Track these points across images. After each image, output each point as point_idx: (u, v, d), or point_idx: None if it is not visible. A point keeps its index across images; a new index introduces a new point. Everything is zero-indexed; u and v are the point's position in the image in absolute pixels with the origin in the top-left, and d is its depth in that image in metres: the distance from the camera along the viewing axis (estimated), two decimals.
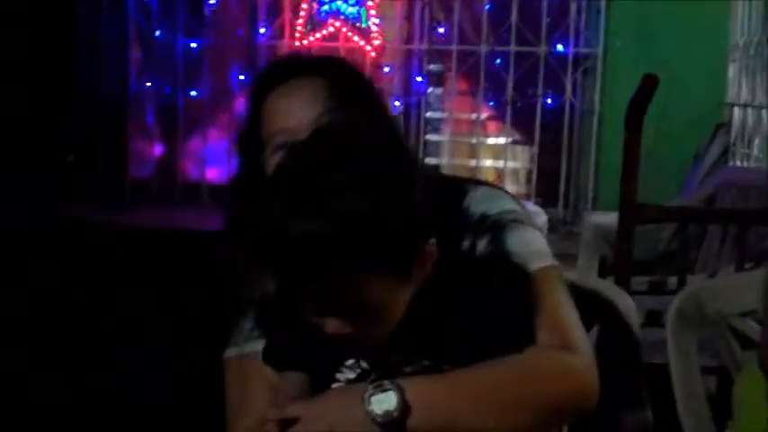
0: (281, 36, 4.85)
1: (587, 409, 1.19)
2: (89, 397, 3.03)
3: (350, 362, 1.18)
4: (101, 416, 2.92)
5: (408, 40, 4.85)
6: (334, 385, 1.16)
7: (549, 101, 4.67)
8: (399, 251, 1.08)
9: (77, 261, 3.90)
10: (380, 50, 4.78)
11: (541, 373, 1.17)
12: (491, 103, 4.83)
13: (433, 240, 1.12)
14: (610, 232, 3.32)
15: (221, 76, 5.01)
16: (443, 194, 1.32)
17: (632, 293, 1.75)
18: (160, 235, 4.19)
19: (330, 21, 4.73)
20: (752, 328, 1.60)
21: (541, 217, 3.41)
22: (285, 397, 1.16)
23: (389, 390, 1.10)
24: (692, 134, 4.37)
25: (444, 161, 5.00)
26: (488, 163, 4.99)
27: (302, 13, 4.78)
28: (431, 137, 5.02)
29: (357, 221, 1.04)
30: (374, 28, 4.69)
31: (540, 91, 4.66)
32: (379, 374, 1.12)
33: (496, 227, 1.28)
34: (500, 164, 4.90)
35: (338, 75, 1.38)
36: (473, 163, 4.87)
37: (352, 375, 1.17)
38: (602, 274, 3.52)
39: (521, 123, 4.82)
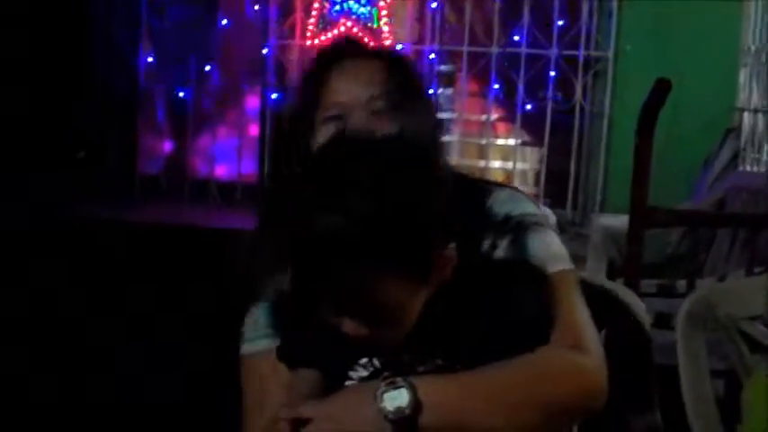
0: (293, 35, 4.86)
1: (596, 408, 1.20)
2: (93, 396, 3.03)
3: (363, 360, 1.18)
4: (105, 415, 2.92)
5: (419, 40, 4.86)
6: (348, 383, 1.17)
7: (560, 103, 4.67)
8: (419, 255, 1.09)
9: (86, 257, 3.91)
10: None
11: (552, 373, 1.17)
12: (501, 105, 4.83)
13: (452, 245, 1.13)
14: (618, 234, 3.33)
15: (232, 75, 5.02)
16: (468, 193, 1.34)
17: (641, 296, 1.75)
18: (168, 231, 4.20)
19: (342, 20, 4.74)
20: (762, 332, 1.60)
21: (551, 218, 3.41)
22: (298, 395, 1.16)
23: (402, 387, 1.10)
24: (703, 138, 4.37)
25: (453, 162, 5.00)
26: (497, 164, 4.99)
27: (314, 13, 4.79)
28: None
29: (379, 223, 1.04)
30: (385, 28, 4.70)
31: (550, 93, 4.66)
32: (391, 373, 1.13)
33: (519, 228, 1.31)
34: (509, 165, 4.90)
35: (397, 64, 1.41)
36: (482, 164, 4.87)
37: (365, 373, 1.17)
38: (611, 276, 3.52)
39: (530, 125, 4.83)
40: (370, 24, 4.72)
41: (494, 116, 4.90)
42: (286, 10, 4.89)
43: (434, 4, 4.75)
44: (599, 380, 1.19)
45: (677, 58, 4.35)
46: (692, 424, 1.57)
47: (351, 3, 4.72)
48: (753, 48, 4.34)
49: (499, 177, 4.78)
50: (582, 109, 4.68)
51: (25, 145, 4.54)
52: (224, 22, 4.97)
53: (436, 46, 4.79)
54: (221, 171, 5.10)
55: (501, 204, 1.34)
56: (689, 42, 4.44)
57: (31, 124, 4.58)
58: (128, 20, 4.98)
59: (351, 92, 1.37)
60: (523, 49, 4.67)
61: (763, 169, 4.13)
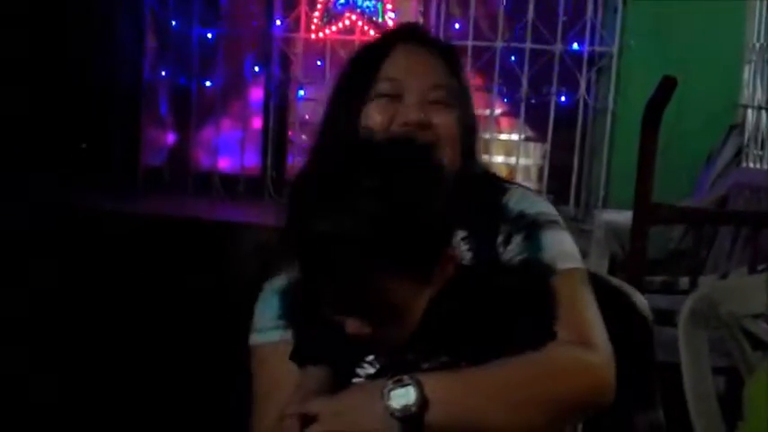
0: (297, 28, 4.86)
1: (604, 405, 1.20)
2: (93, 392, 3.04)
3: (370, 357, 1.18)
4: (105, 412, 2.93)
5: None
6: (355, 380, 1.17)
7: (563, 98, 4.67)
8: (422, 255, 1.10)
9: (88, 249, 3.92)
10: None
11: (559, 370, 1.18)
12: (505, 100, 4.83)
13: (454, 245, 1.13)
14: (621, 230, 3.33)
15: (236, 67, 5.01)
16: (484, 189, 1.36)
17: (644, 293, 1.75)
18: (171, 223, 4.20)
19: (347, 14, 4.74)
20: (764, 329, 1.61)
21: None
22: (307, 392, 1.16)
23: (408, 385, 1.11)
24: (706, 135, 4.36)
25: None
26: (500, 159, 4.99)
27: (319, 6, 4.78)
28: None
29: (382, 224, 1.05)
30: (390, 22, 4.69)
31: (554, 88, 4.66)
32: (397, 371, 1.13)
33: (533, 225, 1.33)
34: (512, 160, 4.89)
35: (456, 59, 1.43)
36: (485, 158, 4.87)
37: (371, 371, 1.18)
38: (612, 271, 3.52)
39: (534, 120, 4.82)
40: (375, 18, 4.72)
41: (497, 111, 4.90)
42: (291, 2, 4.88)
43: None
44: (606, 376, 1.20)
45: (681, 54, 4.34)
46: (694, 421, 1.58)
47: None
48: (757, 45, 4.34)
49: (502, 172, 4.78)
50: (585, 104, 4.68)
51: (27, 138, 4.54)
52: (228, 14, 4.96)
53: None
54: (224, 164, 5.10)
55: (516, 202, 1.37)
56: (693, 39, 4.43)
57: (33, 116, 4.57)
58: (131, 12, 4.97)
59: (411, 73, 1.38)
60: (527, 44, 4.67)
61: (765, 166, 4.12)
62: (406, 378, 1.11)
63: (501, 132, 5.02)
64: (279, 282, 1.33)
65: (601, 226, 3.83)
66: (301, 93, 4.90)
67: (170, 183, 5.05)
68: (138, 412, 2.95)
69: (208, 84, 4.99)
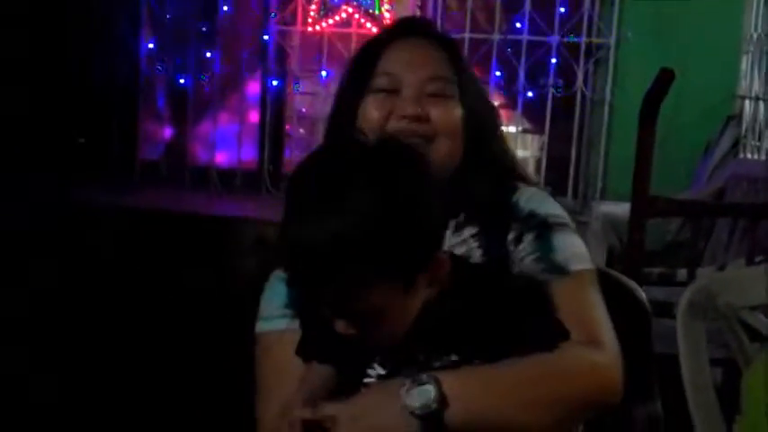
0: (294, 21, 4.85)
1: (612, 404, 1.21)
2: (92, 387, 3.04)
3: (379, 358, 1.18)
4: (104, 408, 2.93)
5: None
6: (366, 380, 1.16)
7: (561, 90, 4.66)
8: (404, 261, 1.08)
9: (85, 243, 3.91)
10: None
11: (569, 369, 1.18)
12: (502, 92, 4.82)
13: (444, 250, 1.12)
14: (618, 222, 3.34)
15: (232, 61, 5.00)
16: (493, 184, 1.35)
17: (642, 284, 1.75)
18: (168, 218, 4.20)
19: (343, 7, 4.73)
20: (762, 321, 1.61)
21: None
22: (311, 387, 1.16)
23: (427, 383, 1.10)
24: (704, 125, 4.36)
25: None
26: None
27: None
28: None
29: (364, 230, 1.04)
30: (387, 15, 4.68)
31: (551, 80, 4.65)
32: (408, 370, 1.12)
33: (544, 226, 1.34)
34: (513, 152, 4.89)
35: (454, 52, 1.42)
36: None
37: (382, 371, 1.16)
38: (611, 263, 3.52)
39: (531, 112, 4.82)
40: (371, 11, 4.71)
41: (495, 103, 4.89)
42: None
43: None
44: (615, 376, 1.21)
45: (679, 45, 4.34)
46: (693, 413, 1.58)
47: None
48: (755, 35, 4.33)
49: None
50: (583, 96, 4.68)
51: (24, 135, 4.54)
52: (225, 8, 4.95)
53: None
54: (221, 158, 5.10)
55: (526, 201, 1.37)
56: (691, 30, 4.42)
57: (30, 112, 4.57)
58: (129, 6, 4.96)
59: (408, 67, 1.37)
60: (525, 36, 4.66)
61: (763, 157, 4.12)
62: (424, 376, 1.10)
63: None
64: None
65: (598, 218, 3.83)
66: (298, 86, 4.90)
67: (167, 177, 5.05)
68: (137, 407, 2.95)
69: (204, 78, 4.98)
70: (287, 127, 5.06)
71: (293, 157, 4.98)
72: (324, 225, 1.04)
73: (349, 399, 1.13)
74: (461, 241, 1.38)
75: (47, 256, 3.78)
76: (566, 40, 4.62)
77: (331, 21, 4.76)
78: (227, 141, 5.06)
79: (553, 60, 4.64)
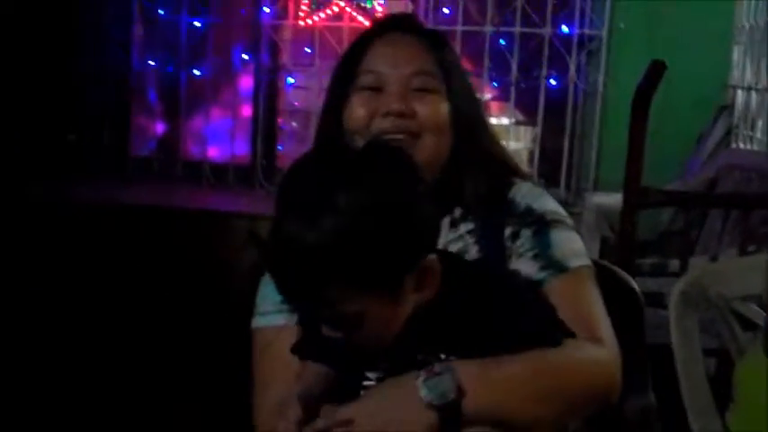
0: (286, 15, 4.84)
1: (611, 400, 1.22)
2: (90, 383, 3.04)
3: (377, 361, 1.17)
4: (102, 404, 2.93)
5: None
6: (366, 383, 1.15)
7: (553, 82, 4.66)
8: (385, 268, 1.06)
9: (77, 239, 3.91)
10: None
11: (573, 364, 1.18)
12: (495, 84, 4.82)
13: (432, 256, 1.11)
14: (611, 213, 3.34)
15: (224, 55, 4.99)
16: (487, 178, 1.35)
17: (634, 276, 1.76)
18: (161, 213, 4.20)
19: (335, 0, 4.72)
20: (754, 311, 1.61)
21: None
22: (306, 384, 1.15)
23: (442, 373, 1.09)
24: (696, 115, 4.36)
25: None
26: None
27: None
28: None
29: (342, 240, 1.03)
30: (379, 8, 4.67)
31: (543, 72, 4.65)
32: (408, 370, 1.11)
33: (542, 222, 1.34)
34: (503, 144, 4.89)
35: (441, 45, 1.41)
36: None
37: (381, 374, 1.15)
38: (604, 254, 3.53)
39: (524, 104, 4.82)
40: (363, 4, 4.70)
41: (487, 96, 4.89)
42: None
43: None
44: (615, 372, 1.23)
45: (671, 35, 4.34)
46: (686, 403, 1.58)
47: None
48: (747, 25, 4.34)
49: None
50: (575, 88, 4.68)
51: (16, 126, 4.53)
52: (216, 2, 4.93)
53: (430, 25, 4.77)
54: (214, 152, 5.09)
55: (523, 197, 1.38)
56: (683, 20, 4.42)
57: (21, 106, 4.55)
58: (119, 1, 4.94)
59: (391, 63, 1.37)
60: (517, 28, 4.66)
61: (755, 147, 4.13)
62: (438, 366, 1.10)
63: (491, 116, 5.01)
64: None
65: (591, 209, 3.84)
66: (290, 80, 4.89)
67: (159, 172, 5.03)
68: (129, 400, 2.95)
69: (196, 72, 4.97)
70: (280, 121, 5.05)
71: (286, 150, 4.97)
72: (306, 231, 1.03)
73: (363, 396, 1.12)
74: (458, 237, 1.38)
75: (35, 250, 3.77)
76: (558, 31, 4.61)
77: (323, 14, 4.75)
78: (220, 136, 5.05)
79: (546, 52, 4.63)
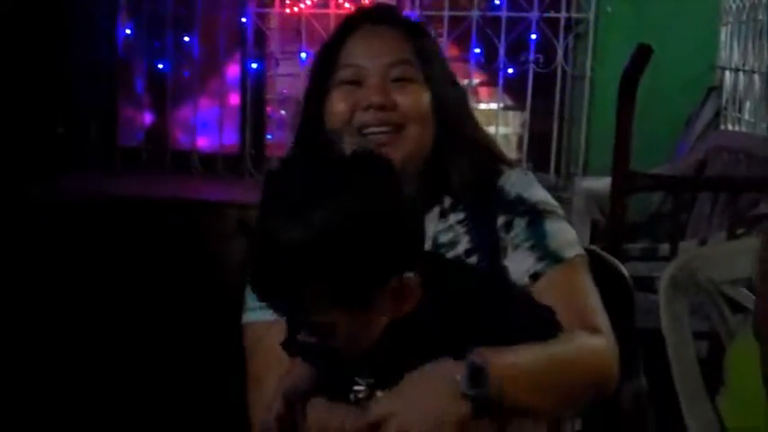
0: (272, 3, 4.82)
1: (609, 390, 1.22)
2: (86, 379, 3.04)
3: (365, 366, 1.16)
4: (100, 400, 2.93)
5: (399, 5, 4.82)
6: (356, 388, 1.14)
7: (541, 66, 4.66)
8: (359, 280, 1.04)
9: (67, 231, 3.90)
10: None
11: (574, 355, 1.18)
12: (483, 69, 4.81)
13: (409, 274, 1.08)
14: (601, 197, 3.34)
15: (211, 44, 4.97)
16: (477, 168, 1.34)
17: (624, 260, 1.76)
18: (150, 203, 4.19)
19: None
20: (743, 295, 1.62)
21: None
22: (293, 380, 1.15)
23: (476, 364, 1.08)
24: (684, 97, 4.37)
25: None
26: None
27: None
28: None
29: (317, 246, 1.01)
30: None
31: (531, 56, 4.64)
32: (399, 378, 1.11)
33: (535, 212, 1.34)
34: (491, 129, 4.88)
35: (419, 34, 1.40)
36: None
37: (371, 380, 1.14)
38: (594, 238, 3.54)
39: (512, 89, 4.81)
40: None
41: (475, 81, 4.89)
42: None
43: None
44: (613, 362, 1.23)
45: (658, 18, 4.34)
46: (678, 386, 1.59)
47: None
48: (734, 6, 4.34)
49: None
50: (563, 72, 4.67)
51: (2, 119, 4.50)
52: None
53: (417, 11, 4.75)
54: (203, 142, 5.07)
55: (512, 185, 1.37)
56: (669, 2, 4.42)
57: (8, 98, 4.53)
58: None
59: (368, 56, 1.36)
60: (504, 13, 4.65)
61: (744, 128, 4.13)
62: (476, 358, 1.08)
63: (480, 102, 5.01)
64: None
65: (581, 193, 3.84)
66: (278, 68, 4.87)
67: (148, 163, 5.02)
68: (120, 392, 2.95)
69: (184, 62, 4.95)
70: (268, 109, 5.04)
71: (275, 139, 4.96)
72: (286, 229, 1.01)
73: (394, 389, 1.10)
74: (447, 227, 1.37)
75: (28, 234, 3.76)
76: (545, 15, 4.61)
77: (309, 2, 4.73)
78: (208, 125, 5.04)
79: (533, 36, 4.63)
